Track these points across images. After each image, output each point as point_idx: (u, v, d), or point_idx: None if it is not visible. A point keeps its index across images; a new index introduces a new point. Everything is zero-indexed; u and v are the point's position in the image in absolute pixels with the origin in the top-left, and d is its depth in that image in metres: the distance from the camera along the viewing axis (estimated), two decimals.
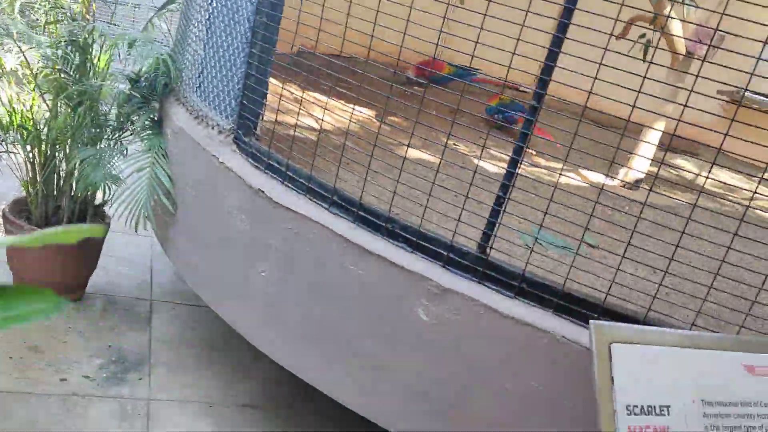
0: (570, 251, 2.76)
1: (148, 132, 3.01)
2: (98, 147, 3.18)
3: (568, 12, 1.78)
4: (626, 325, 1.55)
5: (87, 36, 3.00)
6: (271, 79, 2.50)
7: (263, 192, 2.33)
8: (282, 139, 2.46)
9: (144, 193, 2.72)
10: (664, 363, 1.53)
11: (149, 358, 3.31)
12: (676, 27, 3.37)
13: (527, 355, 1.94)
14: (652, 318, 1.87)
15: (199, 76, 2.79)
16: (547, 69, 1.80)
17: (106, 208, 3.45)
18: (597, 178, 3.85)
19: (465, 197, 1.99)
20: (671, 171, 4.65)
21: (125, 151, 3.17)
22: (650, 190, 1.84)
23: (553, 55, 1.79)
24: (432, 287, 2.02)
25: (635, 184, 3.74)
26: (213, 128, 2.66)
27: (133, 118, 3.08)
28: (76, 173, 3.28)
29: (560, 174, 1.90)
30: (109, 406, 2.93)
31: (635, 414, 1.46)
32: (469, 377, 2.05)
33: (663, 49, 3.47)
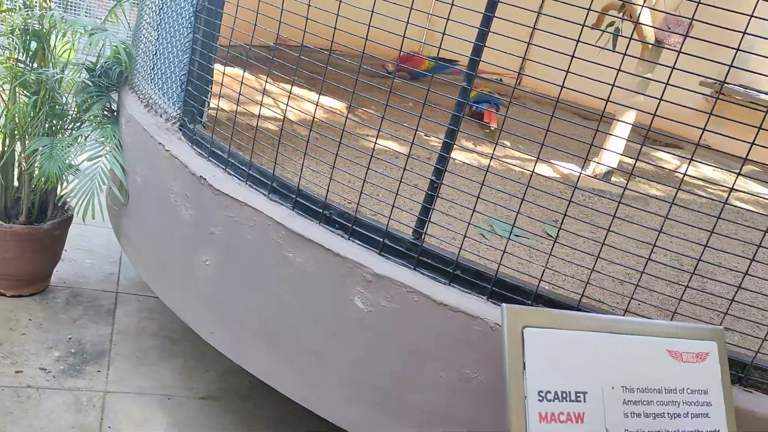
0: (525, 241, 2.71)
1: (103, 121, 2.97)
2: (57, 137, 3.15)
3: None
4: (541, 308, 1.50)
5: (41, 24, 2.96)
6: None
7: (205, 179, 2.29)
8: (230, 127, 2.41)
9: (93, 183, 2.69)
10: (581, 348, 1.48)
11: (110, 350, 3.28)
12: (644, 16, 3.32)
13: (461, 342, 1.89)
14: (587, 305, 1.82)
15: (150, 64, 2.75)
16: (476, 49, 1.76)
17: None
18: (568, 170, 3.80)
19: (399, 182, 1.95)
20: (648, 163, 4.59)
21: (83, 141, 3.13)
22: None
23: (482, 34, 1.75)
24: (367, 274, 1.98)
25: (606, 177, 3.69)
26: (161, 116, 2.62)
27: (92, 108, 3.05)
28: (37, 164, 3.25)
29: (493, 156, 1.85)
30: (64, 398, 2.90)
31: (548, 400, 1.41)
32: (406, 366, 2.00)
33: (632, 39, 3.42)
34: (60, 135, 3.25)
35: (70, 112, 3.24)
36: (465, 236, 1.89)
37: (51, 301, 3.53)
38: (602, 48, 2.93)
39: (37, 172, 3.05)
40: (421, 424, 2.00)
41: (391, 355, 2.01)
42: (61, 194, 2.87)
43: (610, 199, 3.57)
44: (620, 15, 3.51)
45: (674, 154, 4.69)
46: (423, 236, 1.96)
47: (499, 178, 3.44)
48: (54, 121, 3.23)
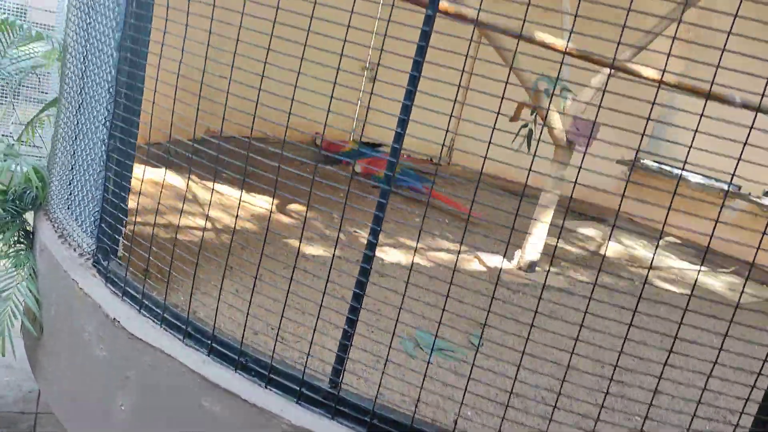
0: (452, 356, 2.70)
1: (17, 249, 2.88)
2: None
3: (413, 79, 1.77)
4: None
5: None
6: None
7: (119, 321, 2.24)
8: (154, 257, 2.34)
9: (4, 320, 2.58)
10: None
11: None
12: (555, 119, 3.46)
13: None
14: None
15: (65, 189, 2.69)
16: (398, 135, 1.79)
17: None
18: (494, 264, 3.86)
19: (316, 319, 1.94)
20: (577, 242, 4.73)
21: None
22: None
23: (402, 122, 1.79)
24: (285, 425, 1.94)
25: (531, 267, 3.77)
26: (75, 249, 2.56)
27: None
28: None
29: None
30: None
31: None
32: None
33: (546, 143, 3.55)
34: None
35: None
36: (383, 374, 1.88)
37: None
38: (516, 150, 3.04)
39: None
40: None
41: None
42: None
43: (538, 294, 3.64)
44: (532, 116, 3.65)
45: (605, 223, 4.84)
46: (339, 385, 1.95)
47: (427, 278, 3.46)
48: None
